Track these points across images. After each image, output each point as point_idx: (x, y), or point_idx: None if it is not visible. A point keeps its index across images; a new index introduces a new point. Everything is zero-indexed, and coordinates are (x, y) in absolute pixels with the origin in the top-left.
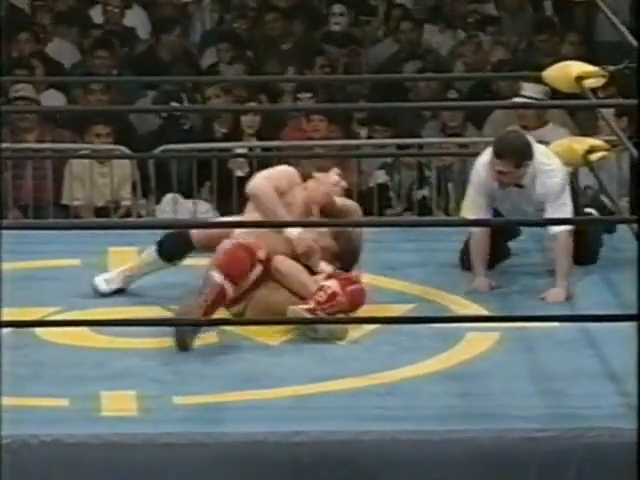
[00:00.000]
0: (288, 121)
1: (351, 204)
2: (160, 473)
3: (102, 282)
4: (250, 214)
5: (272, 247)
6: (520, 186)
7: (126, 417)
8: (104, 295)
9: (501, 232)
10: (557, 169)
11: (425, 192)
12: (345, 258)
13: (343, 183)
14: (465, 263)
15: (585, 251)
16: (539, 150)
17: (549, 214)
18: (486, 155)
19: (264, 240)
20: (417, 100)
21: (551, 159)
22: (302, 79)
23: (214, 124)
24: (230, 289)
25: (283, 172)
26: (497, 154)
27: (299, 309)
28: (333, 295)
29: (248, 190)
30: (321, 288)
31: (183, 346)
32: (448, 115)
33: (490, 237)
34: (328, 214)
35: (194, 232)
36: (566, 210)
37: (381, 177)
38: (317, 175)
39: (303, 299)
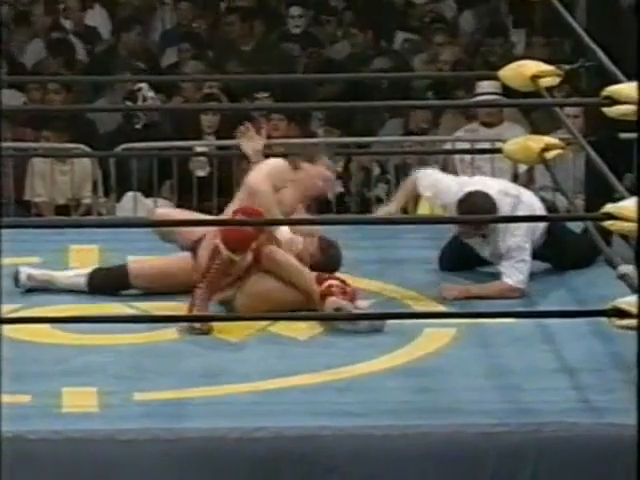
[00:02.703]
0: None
1: None
2: (121, 469)
3: (24, 275)
4: (239, 202)
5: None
6: (483, 236)
7: (87, 413)
8: (17, 287)
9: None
10: (519, 226)
11: (379, 192)
12: (327, 269)
13: (332, 176)
14: (443, 264)
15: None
16: (502, 194)
17: (504, 268)
18: (454, 201)
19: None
20: (377, 99)
21: (513, 200)
22: (263, 78)
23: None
24: (236, 258)
25: (279, 167)
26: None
27: (336, 300)
28: (344, 292)
29: (250, 184)
30: (330, 285)
31: None
32: (421, 115)
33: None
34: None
35: (133, 268)
36: (522, 269)
37: (337, 186)
38: (305, 166)
39: (294, 287)
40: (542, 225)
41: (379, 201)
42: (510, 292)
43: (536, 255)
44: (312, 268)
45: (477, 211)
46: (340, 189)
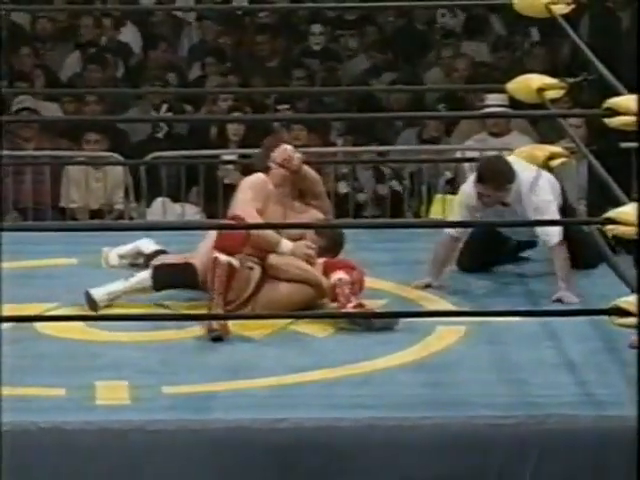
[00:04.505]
0: (271, 130)
1: (313, 172)
2: (150, 458)
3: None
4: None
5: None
6: (505, 204)
7: (119, 405)
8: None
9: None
10: (541, 186)
11: (394, 185)
12: (331, 249)
13: (297, 155)
14: (461, 264)
15: (586, 255)
16: (523, 168)
17: (541, 234)
18: (473, 175)
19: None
20: (391, 110)
21: (534, 174)
22: (284, 90)
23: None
24: (235, 262)
25: (257, 188)
26: (479, 178)
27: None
28: (352, 283)
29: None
30: (341, 285)
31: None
32: (434, 125)
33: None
34: (301, 187)
35: (199, 265)
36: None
37: (344, 188)
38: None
39: (306, 284)
40: (559, 194)
41: (395, 194)
42: (562, 249)
43: None
44: (319, 254)
45: (494, 171)
46: (345, 189)
